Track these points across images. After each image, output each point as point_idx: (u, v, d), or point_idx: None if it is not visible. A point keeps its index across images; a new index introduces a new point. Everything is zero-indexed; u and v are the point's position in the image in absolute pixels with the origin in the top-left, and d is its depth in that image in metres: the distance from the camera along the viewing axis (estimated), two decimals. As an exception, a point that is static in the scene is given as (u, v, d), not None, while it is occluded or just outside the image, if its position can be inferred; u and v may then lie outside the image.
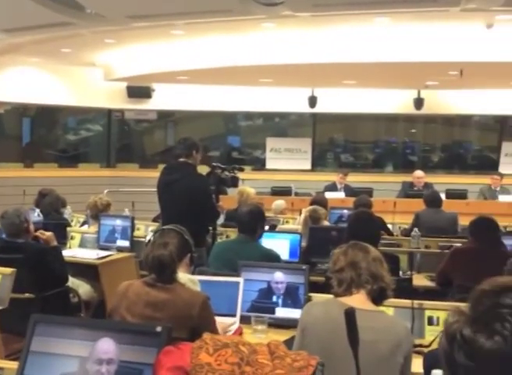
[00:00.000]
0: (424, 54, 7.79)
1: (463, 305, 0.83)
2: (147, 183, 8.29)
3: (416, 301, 3.10)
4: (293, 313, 3.10)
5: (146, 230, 6.31)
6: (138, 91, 11.62)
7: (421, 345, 2.96)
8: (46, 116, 12.48)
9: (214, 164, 5.55)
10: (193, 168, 5.06)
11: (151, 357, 1.46)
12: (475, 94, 11.01)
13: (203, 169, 5.57)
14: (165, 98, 11.80)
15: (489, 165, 11.61)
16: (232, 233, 5.48)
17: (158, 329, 1.49)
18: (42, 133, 12.73)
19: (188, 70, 9.32)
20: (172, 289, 2.59)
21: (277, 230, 6.20)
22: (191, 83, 11.13)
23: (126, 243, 5.49)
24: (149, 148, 13.46)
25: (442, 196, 8.05)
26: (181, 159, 5.05)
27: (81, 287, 4.76)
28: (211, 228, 5.29)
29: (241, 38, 8.18)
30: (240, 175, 6.46)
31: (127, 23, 6.88)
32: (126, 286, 2.66)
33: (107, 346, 1.51)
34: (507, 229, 6.80)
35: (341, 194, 9.38)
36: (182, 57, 9.12)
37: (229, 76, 9.92)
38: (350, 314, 1.56)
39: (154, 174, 5.51)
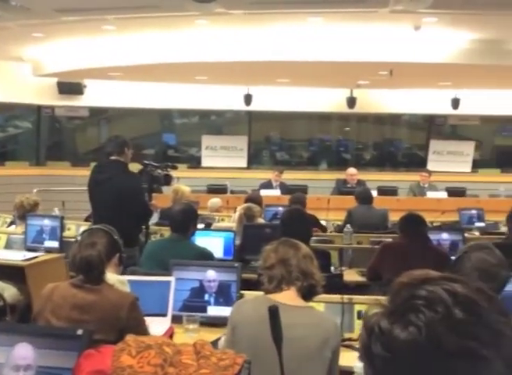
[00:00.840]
0: (356, 54, 7.95)
1: (383, 299, 0.84)
2: (79, 182, 8.07)
3: (346, 296, 3.17)
4: (225, 311, 3.07)
5: (77, 230, 6.14)
6: (69, 87, 11.28)
7: (350, 339, 3.02)
8: (-29, 113, 11.95)
9: (146, 162, 5.46)
10: (125, 166, 4.97)
11: (71, 361, 1.41)
12: (405, 94, 11.35)
13: (135, 168, 5.48)
14: (97, 95, 11.51)
15: (418, 162, 12.01)
16: (167, 232, 5.41)
17: (79, 332, 1.44)
18: (-33, 131, 12.18)
19: (121, 66, 9.14)
20: (99, 290, 2.52)
21: (212, 228, 6.18)
22: (125, 80, 10.92)
23: (55, 244, 5.32)
24: (81, 145, 13.11)
25: (374, 193, 8.27)
26: (112, 157, 4.95)
27: (7, 291, 4.57)
28: (144, 227, 5.21)
29: (175, 35, 8.08)
30: (175, 173, 6.40)
31: (55, 16, 6.67)
32: (51, 288, 2.58)
33: (24, 351, 1.45)
34: (434, 224, 7.04)
35: (276, 192, 9.46)
36: (114, 53, 8.92)
37: (164, 73, 9.80)
38: (273, 311, 1.56)
39: (87, 173, 5.37)
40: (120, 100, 11.53)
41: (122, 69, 9.36)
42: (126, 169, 4.97)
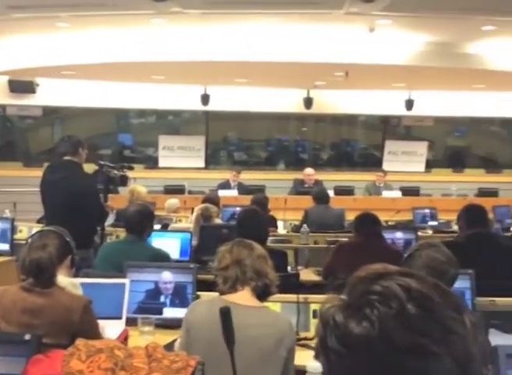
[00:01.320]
0: (312, 55, 8.03)
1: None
2: (32, 183, 7.83)
3: (301, 296, 3.18)
4: (181, 313, 3.04)
5: (29, 233, 5.98)
6: (21, 85, 10.98)
7: (306, 338, 3.04)
8: None
9: (101, 162, 5.38)
10: (79, 167, 4.89)
11: (18, 367, 1.37)
12: (361, 95, 11.51)
13: (90, 168, 5.39)
14: (50, 94, 11.25)
15: (374, 162, 12.20)
16: (122, 234, 5.32)
17: (27, 337, 1.41)
18: None
19: (75, 65, 8.97)
20: (50, 294, 2.46)
21: (169, 229, 6.13)
22: (79, 79, 10.71)
23: (5, 246, 5.19)
24: (34, 145, 12.79)
25: (331, 193, 8.36)
26: (66, 158, 4.85)
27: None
28: (99, 228, 5.13)
29: (131, 33, 7.99)
30: (132, 173, 6.32)
31: (7, 13, 6.50)
32: (0, 292, 2.51)
33: (-31, 359, 1.40)
34: (389, 223, 7.16)
35: (234, 192, 9.45)
36: (69, 51, 8.75)
37: (120, 72, 9.66)
38: (224, 313, 1.56)
39: (39, 173, 5.26)
40: (74, 99, 11.31)
41: (76, 67, 9.18)
42: (80, 169, 4.88)
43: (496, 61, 8.54)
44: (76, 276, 3.26)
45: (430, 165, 12.31)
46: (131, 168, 5.77)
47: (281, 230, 7.07)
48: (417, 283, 0.78)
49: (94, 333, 2.43)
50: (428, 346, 0.73)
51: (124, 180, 5.47)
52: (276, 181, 10.83)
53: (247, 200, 7.28)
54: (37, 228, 5.89)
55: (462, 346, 0.75)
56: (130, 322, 3.10)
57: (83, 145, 4.93)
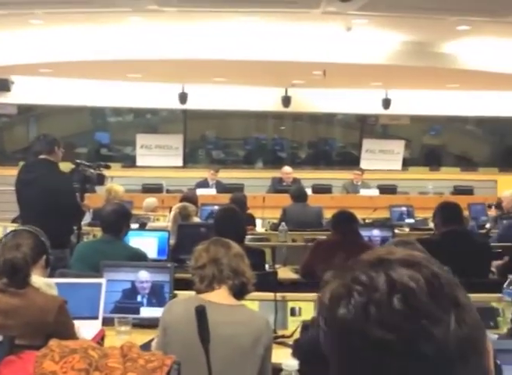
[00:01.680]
0: (290, 54, 8.05)
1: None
2: (7, 182, 7.75)
3: (279, 294, 3.19)
4: (158, 312, 3.02)
5: (4, 232, 5.89)
6: (-5, 83, 10.83)
7: (283, 336, 3.05)
8: None
9: (78, 161, 5.32)
10: (55, 165, 4.83)
11: (-9, 369, 1.35)
12: (338, 94, 11.57)
13: (67, 167, 5.33)
14: (25, 92, 11.09)
15: (352, 161, 12.28)
16: (100, 233, 5.28)
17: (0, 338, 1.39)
18: None
19: (51, 63, 8.86)
20: (24, 294, 2.43)
21: (147, 228, 6.09)
22: (55, 76, 10.59)
23: (-20, 246, 5.09)
24: (9, 144, 12.60)
25: (309, 191, 8.40)
26: (41, 156, 4.79)
27: None
28: (75, 228, 5.08)
29: (108, 31, 7.92)
30: (109, 172, 6.26)
31: (-21, 9, 6.39)
32: (-27, 293, 2.46)
33: None
34: (366, 221, 7.21)
35: (212, 191, 9.44)
36: (44, 48, 8.64)
37: (96, 69, 9.57)
38: (200, 312, 1.56)
39: (14, 172, 5.20)
40: (50, 97, 11.17)
41: (51, 65, 9.08)
42: (55, 168, 4.83)
43: (471, 61, 8.66)
44: (52, 276, 3.23)
45: (407, 163, 12.43)
46: (108, 167, 5.73)
47: (259, 228, 7.08)
48: (411, 276, 0.76)
49: (70, 334, 2.41)
50: (394, 344, 0.73)
51: (101, 179, 5.43)
52: (254, 180, 10.84)
53: (225, 198, 7.28)
54: (12, 228, 5.82)
55: (434, 349, 0.73)
56: (107, 322, 3.08)
57: (58, 144, 4.87)
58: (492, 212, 7.61)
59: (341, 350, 0.77)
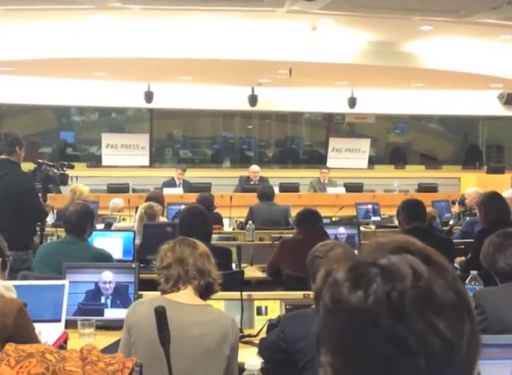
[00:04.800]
0: (255, 52, 8.05)
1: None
2: (-33, 183, 7.56)
3: (245, 293, 3.19)
4: (123, 313, 2.99)
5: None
6: (-45, 81, 10.55)
7: (249, 335, 3.05)
8: None
9: (40, 161, 5.21)
10: (17, 166, 4.72)
11: None
12: (305, 93, 11.62)
13: (28, 167, 5.22)
14: (-14, 91, 10.85)
15: (318, 159, 12.36)
16: (63, 234, 5.20)
17: (-47, 344, 1.35)
18: None
19: (13, 61, 8.67)
20: (-18, 298, 2.36)
21: (112, 228, 6.02)
22: (17, 75, 10.37)
23: None
24: (-30, 144, 12.29)
25: (276, 189, 8.41)
26: (2, 156, 4.68)
27: None
28: (39, 229, 4.98)
29: (72, 29, 7.79)
30: (75, 172, 6.16)
31: None
32: None
33: None
34: (333, 219, 7.26)
35: (179, 190, 9.38)
36: (5, 46, 8.45)
37: (60, 68, 9.40)
38: (160, 313, 1.54)
39: (-26, 173, 5.05)
40: (13, 96, 10.93)
41: (14, 63, 8.89)
42: (17, 168, 4.71)
43: (434, 60, 8.79)
44: (14, 278, 3.16)
45: (372, 161, 12.57)
46: (72, 166, 5.63)
47: (227, 227, 7.06)
48: (431, 272, 0.73)
49: (30, 338, 2.35)
50: (406, 340, 0.70)
51: (64, 179, 5.34)
52: (222, 179, 10.82)
53: (192, 198, 7.24)
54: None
55: (443, 350, 0.71)
56: (70, 324, 3.03)
57: (20, 144, 4.75)
58: (456, 209, 7.74)
59: (348, 334, 0.72)
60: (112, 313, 3.17)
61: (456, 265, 4.42)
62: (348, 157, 12.23)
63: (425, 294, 0.71)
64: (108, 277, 3.18)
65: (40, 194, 4.88)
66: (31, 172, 5.06)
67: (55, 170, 5.24)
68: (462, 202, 7.41)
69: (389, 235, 0.81)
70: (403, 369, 0.70)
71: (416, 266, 0.73)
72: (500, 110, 12.18)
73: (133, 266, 3.27)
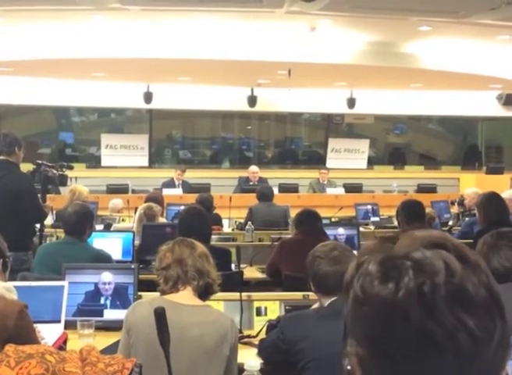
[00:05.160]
0: (255, 53, 8.06)
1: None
2: (-34, 184, 7.56)
3: (244, 294, 3.19)
4: (122, 314, 2.99)
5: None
6: (-46, 82, 10.55)
7: (249, 336, 3.05)
8: None
9: (39, 162, 5.21)
10: (16, 166, 4.72)
11: None
12: (304, 93, 11.62)
13: (27, 168, 5.23)
14: (-14, 91, 10.84)
15: (318, 160, 12.37)
16: (63, 234, 5.20)
17: (-47, 345, 1.35)
18: None
19: (12, 61, 8.67)
20: (-18, 299, 2.36)
21: (112, 229, 6.02)
22: (16, 75, 10.37)
23: None
24: (-31, 145, 12.29)
25: (276, 190, 8.42)
26: (1, 157, 4.68)
27: None
28: (38, 230, 4.98)
29: (71, 29, 7.79)
30: (74, 173, 6.16)
31: None
32: None
33: None
34: (333, 220, 7.26)
35: (179, 191, 9.39)
36: (5, 47, 8.45)
37: (59, 68, 9.40)
38: (159, 314, 1.54)
39: (-26, 174, 5.05)
40: (12, 96, 10.92)
41: (13, 64, 8.89)
42: (16, 169, 4.72)
43: (433, 61, 8.80)
44: (14, 279, 3.16)
45: (372, 162, 12.57)
46: (71, 167, 5.63)
47: (226, 228, 7.07)
48: (464, 269, 0.72)
49: (31, 339, 2.35)
50: (435, 335, 0.69)
51: (63, 180, 5.34)
52: (221, 179, 10.81)
53: (191, 198, 7.24)
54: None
55: (471, 348, 0.70)
56: (70, 325, 3.03)
57: (19, 145, 4.75)
58: (455, 210, 7.75)
59: (377, 326, 0.71)
60: (111, 314, 3.18)
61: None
62: (347, 157, 12.24)
63: (457, 291, 0.71)
64: (107, 278, 3.18)
65: (39, 195, 4.88)
66: (30, 172, 5.06)
67: (54, 171, 5.25)
68: (461, 203, 7.41)
69: (426, 230, 0.81)
70: (430, 363, 0.70)
71: (450, 261, 0.72)
72: (499, 111, 12.19)
73: (133, 266, 3.27)
